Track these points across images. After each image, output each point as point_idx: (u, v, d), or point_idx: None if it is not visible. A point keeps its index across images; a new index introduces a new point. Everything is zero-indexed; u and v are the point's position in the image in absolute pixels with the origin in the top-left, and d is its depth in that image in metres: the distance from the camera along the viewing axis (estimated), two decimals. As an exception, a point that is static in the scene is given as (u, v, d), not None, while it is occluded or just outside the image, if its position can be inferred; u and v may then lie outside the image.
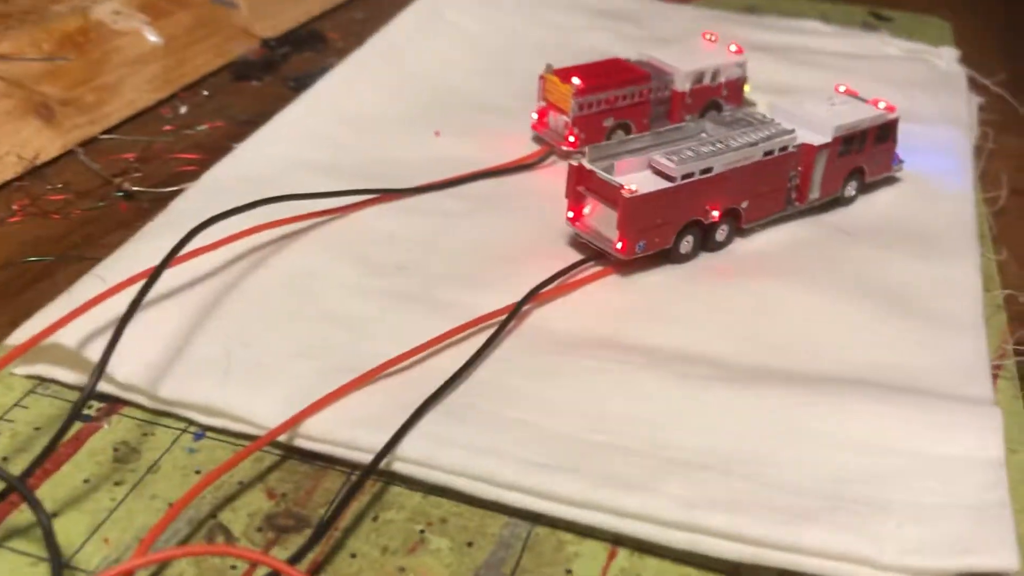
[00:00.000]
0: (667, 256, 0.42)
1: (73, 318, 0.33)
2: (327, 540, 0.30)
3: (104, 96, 0.55)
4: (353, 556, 0.29)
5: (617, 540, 0.30)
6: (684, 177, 0.40)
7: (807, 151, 0.44)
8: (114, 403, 0.35)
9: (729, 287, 0.41)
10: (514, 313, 0.37)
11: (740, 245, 0.44)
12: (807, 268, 0.42)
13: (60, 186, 0.49)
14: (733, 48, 0.54)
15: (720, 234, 0.43)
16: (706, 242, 0.43)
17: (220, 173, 0.47)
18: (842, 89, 0.49)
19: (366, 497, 0.31)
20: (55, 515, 0.30)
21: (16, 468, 0.31)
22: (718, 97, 0.54)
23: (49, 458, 0.30)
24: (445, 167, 0.49)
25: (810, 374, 0.36)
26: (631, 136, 0.44)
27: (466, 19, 0.64)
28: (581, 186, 0.41)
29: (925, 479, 0.31)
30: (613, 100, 0.50)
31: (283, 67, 0.63)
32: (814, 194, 0.46)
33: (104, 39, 0.57)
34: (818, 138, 0.45)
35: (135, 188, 0.48)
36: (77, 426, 0.34)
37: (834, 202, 0.47)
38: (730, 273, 0.42)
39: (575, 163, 0.41)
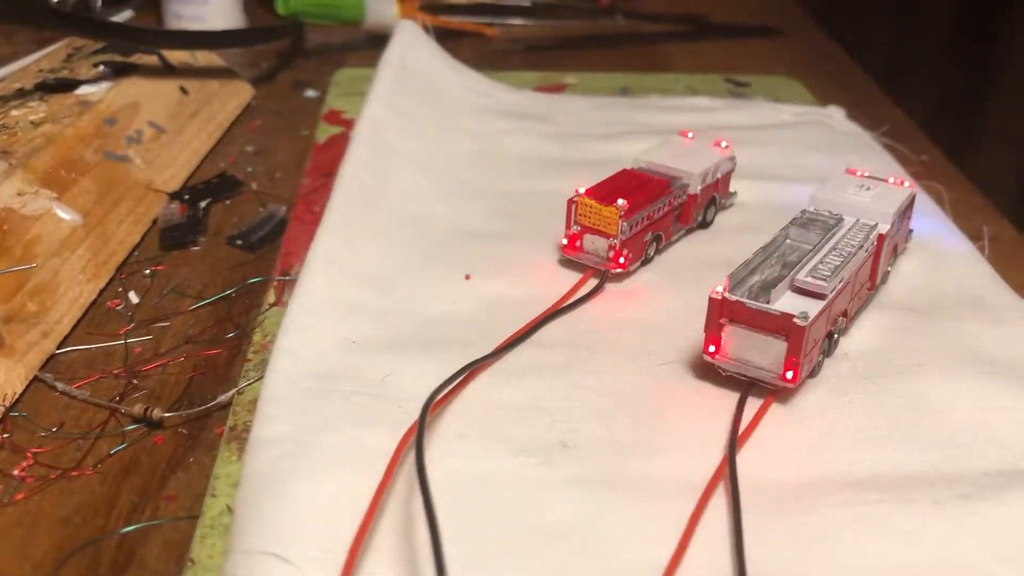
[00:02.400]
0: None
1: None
2: None
3: (45, 299, 0.44)
4: None
5: None
6: (832, 292, 0.40)
7: (879, 239, 0.45)
8: None
9: (871, 391, 0.41)
10: (733, 470, 0.35)
11: (845, 345, 0.44)
12: (923, 356, 0.43)
13: (55, 430, 0.39)
14: (724, 144, 0.54)
15: (835, 338, 0.43)
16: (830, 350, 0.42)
17: (283, 367, 0.39)
18: (859, 173, 0.50)
19: None
20: None
21: None
22: (716, 193, 0.54)
23: None
24: (491, 312, 0.45)
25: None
26: (745, 261, 0.42)
27: (401, 139, 0.59)
28: (724, 318, 0.39)
29: None
30: (652, 215, 0.49)
31: (212, 223, 0.55)
32: (879, 280, 0.47)
33: (19, 229, 0.46)
34: (882, 226, 0.46)
35: (166, 414, 0.39)
36: None
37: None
38: (857, 377, 0.42)
39: (718, 296, 0.39)
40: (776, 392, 0.40)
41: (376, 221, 0.51)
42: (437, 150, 0.60)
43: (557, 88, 0.76)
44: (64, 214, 0.49)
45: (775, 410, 0.39)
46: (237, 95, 0.70)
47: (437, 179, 0.57)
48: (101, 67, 0.61)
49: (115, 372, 0.42)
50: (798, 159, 0.62)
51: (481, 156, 0.61)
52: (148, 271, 0.50)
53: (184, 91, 0.65)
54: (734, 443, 0.36)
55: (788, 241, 0.44)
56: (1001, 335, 0.44)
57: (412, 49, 0.68)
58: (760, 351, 0.39)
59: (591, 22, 0.93)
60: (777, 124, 0.68)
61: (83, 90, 0.58)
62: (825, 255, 0.41)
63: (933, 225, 0.54)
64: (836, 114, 0.70)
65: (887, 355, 0.43)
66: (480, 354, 0.41)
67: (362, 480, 0.33)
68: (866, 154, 0.63)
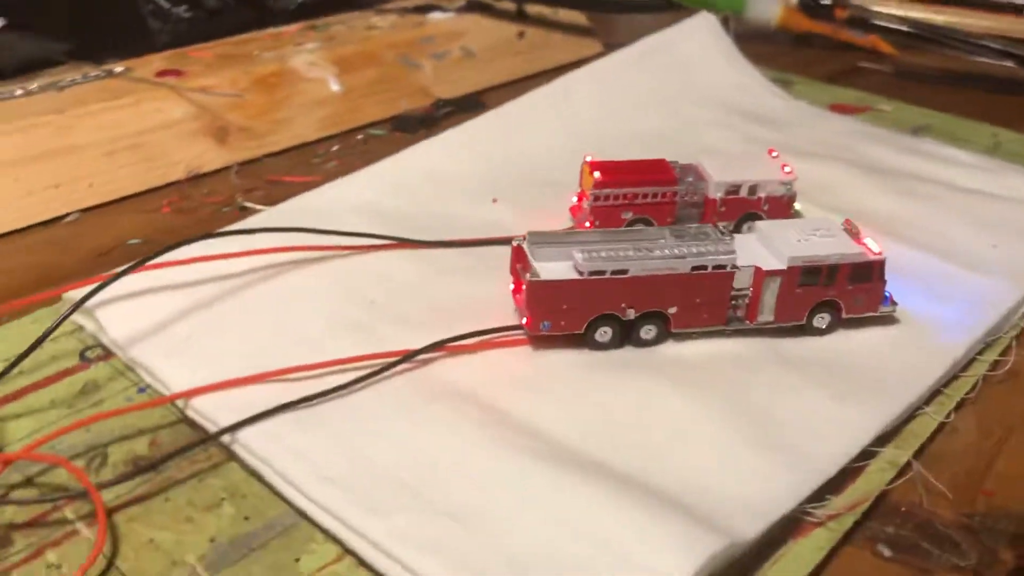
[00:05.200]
0: (585, 341, 0.46)
1: (95, 281, 0.46)
2: (159, 482, 0.39)
3: (275, 128, 0.69)
4: (167, 500, 0.39)
5: (348, 550, 0.37)
6: (592, 273, 0.45)
7: (757, 274, 0.46)
8: (109, 354, 0.47)
9: (623, 380, 0.44)
10: (409, 357, 0.44)
11: (673, 347, 0.47)
12: (714, 384, 0.44)
13: (206, 192, 0.64)
14: (788, 169, 0.56)
15: (645, 332, 0.46)
16: (631, 337, 0.46)
17: (295, 204, 0.58)
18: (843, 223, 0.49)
19: (207, 464, 0.40)
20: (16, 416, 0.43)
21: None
22: (758, 211, 0.56)
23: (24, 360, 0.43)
24: (486, 231, 0.56)
25: (620, 472, 0.39)
26: (581, 230, 0.48)
27: (587, 104, 0.70)
28: (519, 264, 0.47)
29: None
30: (632, 196, 0.55)
31: (440, 124, 0.74)
32: (765, 316, 0.47)
33: (291, 82, 0.71)
34: (773, 264, 0.46)
35: (247, 204, 0.61)
36: (75, 362, 0.46)
37: (804, 329, 0.48)
38: (633, 369, 0.45)
39: (516, 244, 0.47)
40: (534, 340, 0.46)
41: (488, 144, 0.65)
42: (609, 116, 0.70)
43: (857, 109, 0.76)
44: (333, 85, 0.73)
45: (524, 351, 0.46)
46: (574, 52, 0.86)
47: (580, 140, 0.67)
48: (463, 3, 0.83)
49: (271, 179, 0.65)
50: (955, 233, 0.57)
51: (654, 136, 0.69)
52: (360, 136, 0.72)
53: (520, 35, 0.84)
54: (441, 342, 0.45)
55: (661, 240, 0.48)
56: (813, 407, 0.43)
57: (690, 34, 0.76)
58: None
59: (997, 63, 0.85)
60: (1002, 196, 0.61)
61: (432, 15, 0.81)
62: (628, 248, 0.45)
63: (969, 318, 0.49)
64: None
65: (687, 367, 0.45)
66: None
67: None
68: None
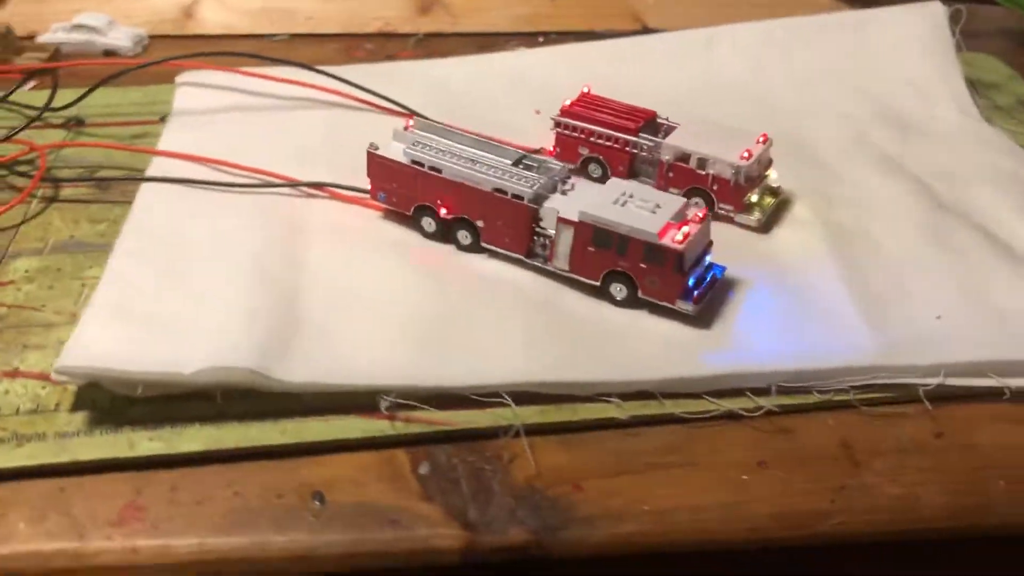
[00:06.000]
0: (415, 226, 0.52)
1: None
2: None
3: (475, 11, 0.79)
4: (81, 208, 0.55)
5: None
6: (413, 162, 0.50)
7: (558, 220, 0.47)
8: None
9: (415, 263, 0.50)
10: (291, 184, 0.55)
11: (483, 260, 0.50)
12: (479, 293, 0.48)
13: (389, 50, 0.77)
14: (745, 155, 0.52)
15: (463, 237, 0.50)
16: (452, 237, 0.51)
17: (385, 67, 0.69)
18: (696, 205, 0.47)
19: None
20: None
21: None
22: (706, 188, 0.53)
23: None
24: (502, 133, 0.62)
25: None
26: (458, 130, 0.52)
27: (730, 58, 0.69)
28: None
29: None
30: (588, 133, 0.56)
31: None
32: (560, 262, 0.48)
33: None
34: (571, 215, 0.47)
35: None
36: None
37: (600, 293, 0.48)
38: (433, 263, 0.50)
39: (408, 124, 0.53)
40: (381, 208, 0.53)
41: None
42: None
43: None
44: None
45: (372, 214, 0.54)
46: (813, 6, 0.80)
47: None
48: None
49: (402, 55, 0.77)
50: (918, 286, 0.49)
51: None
52: (541, 39, 0.78)
53: None
54: (318, 184, 0.55)
55: (503, 159, 0.50)
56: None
57: (900, 18, 0.68)
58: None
59: None
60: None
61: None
62: (457, 153, 0.50)
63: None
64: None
65: (476, 276, 0.49)
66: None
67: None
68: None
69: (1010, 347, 0.44)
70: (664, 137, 0.55)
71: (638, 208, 0.46)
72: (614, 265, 0.46)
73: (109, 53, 0.73)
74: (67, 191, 0.57)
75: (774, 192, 0.55)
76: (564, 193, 0.48)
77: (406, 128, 0.53)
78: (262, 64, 0.65)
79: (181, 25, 0.78)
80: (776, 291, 0.49)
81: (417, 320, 0.45)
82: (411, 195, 0.51)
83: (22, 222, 0.54)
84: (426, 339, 0.44)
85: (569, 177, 0.49)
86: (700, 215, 0.47)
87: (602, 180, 0.56)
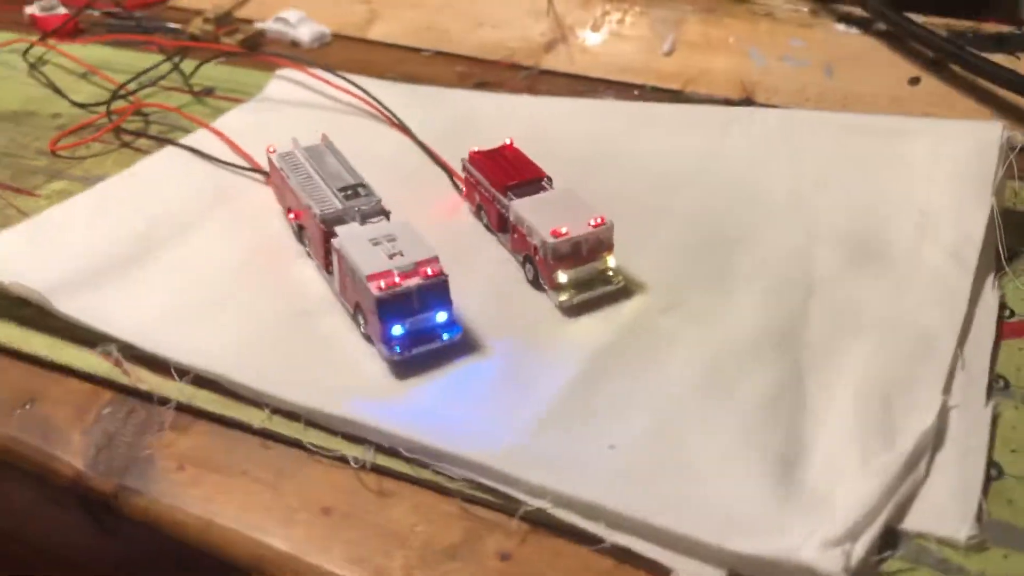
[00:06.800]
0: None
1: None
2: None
3: (591, 54, 0.81)
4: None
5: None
6: (280, 167, 0.57)
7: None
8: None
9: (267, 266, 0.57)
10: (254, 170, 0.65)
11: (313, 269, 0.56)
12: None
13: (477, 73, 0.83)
14: (564, 230, 0.51)
15: (306, 242, 0.57)
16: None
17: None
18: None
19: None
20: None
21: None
22: (532, 256, 0.53)
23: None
24: None
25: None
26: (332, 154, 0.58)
27: (744, 144, 0.64)
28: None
29: None
30: (476, 182, 0.58)
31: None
32: (335, 286, 0.52)
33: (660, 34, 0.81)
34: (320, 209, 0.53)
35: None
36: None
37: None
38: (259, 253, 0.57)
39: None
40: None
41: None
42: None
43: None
44: (666, 45, 0.79)
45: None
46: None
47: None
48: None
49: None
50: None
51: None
52: (639, 9, 0.78)
53: (914, 81, 0.71)
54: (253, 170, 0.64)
55: (352, 183, 0.55)
56: None
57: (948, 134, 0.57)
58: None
59: None
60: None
61: (838, 25, 0.76)
62: (311, 173, 0.56)
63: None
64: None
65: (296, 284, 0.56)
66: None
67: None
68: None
69: (633, 499, 0.40)
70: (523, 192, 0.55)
71: (381, 250, 0.49)
72: (358, 297, 0.50)
73: (294, 44, 0.89)
74: (142, 142, 0.73)
75: (606, 280, 0.52)
76: (363, 223, 0.52)
77: (321, 142, 0.60)
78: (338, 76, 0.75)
79: (362, 29, 0.91)
80: (496, 370, 0.48)
81: (198, 303, 0.53)
82: (282, 196, 0.59)
83: (89, 156, 0.71)
84: (188, 317, 0.52)
85: (382, 212, 0.53)
86: (430, 271, 0.48)
87: (491, 228, 0.58)
